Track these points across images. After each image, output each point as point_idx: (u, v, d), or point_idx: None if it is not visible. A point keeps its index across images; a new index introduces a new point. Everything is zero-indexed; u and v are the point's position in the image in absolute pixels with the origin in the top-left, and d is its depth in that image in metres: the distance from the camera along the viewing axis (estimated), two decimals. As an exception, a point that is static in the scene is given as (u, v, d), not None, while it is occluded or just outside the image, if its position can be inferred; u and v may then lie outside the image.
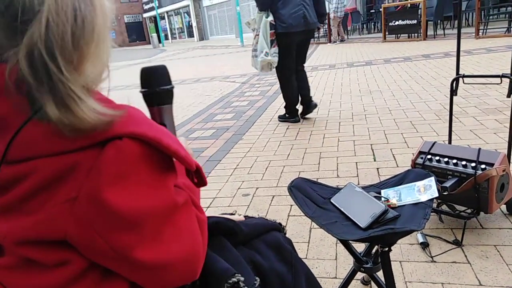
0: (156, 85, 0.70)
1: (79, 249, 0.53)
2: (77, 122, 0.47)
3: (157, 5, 30.65)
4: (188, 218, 0.61)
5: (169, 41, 34.56)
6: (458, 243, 1.59)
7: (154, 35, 27.97)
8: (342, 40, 11.97)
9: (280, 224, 0.94)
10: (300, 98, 3.71)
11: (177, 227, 0.57)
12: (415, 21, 9.51)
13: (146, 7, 37.32)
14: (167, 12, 33.60)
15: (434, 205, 1.77)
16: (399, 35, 10.22)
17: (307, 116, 3.90)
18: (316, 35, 13.47)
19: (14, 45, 0.47)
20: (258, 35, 3.48)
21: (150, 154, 0.53)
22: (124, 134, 0.50)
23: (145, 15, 38.25)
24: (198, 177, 0.64)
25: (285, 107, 3.80)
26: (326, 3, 11.18)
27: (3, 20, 0.47)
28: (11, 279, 0.54)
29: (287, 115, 3.83)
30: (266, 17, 3.38)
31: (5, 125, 0.50)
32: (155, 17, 31.75)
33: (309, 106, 3.74)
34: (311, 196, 1.25)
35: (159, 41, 28.96)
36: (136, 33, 39.28)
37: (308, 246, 1.72)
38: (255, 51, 3.56)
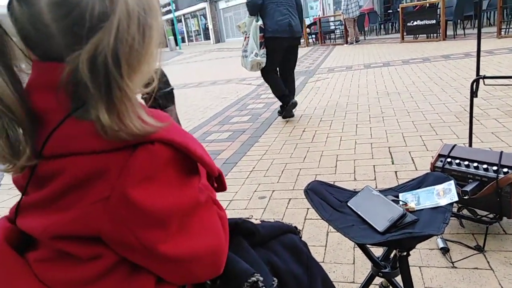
0: (159, 88, 0.71)
1: (111, 245, 0.56)
2: (123, 129, 0.50)
3: (174, 8, 31.03)
4: (210, 215, 0.64)
5: (185, 43, 34.91)
6: (480, 249, 1.55)
7: (171, 38, 28.30)
8: (357, 41, 11.85)
9: (296, 227, 0.95)
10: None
11: (201, 222, 0.61)
12: (434, 21, 9.33)
13: (163, 10, 37.84)
14: (183, 15, 33.96)
15: (455, 209, 1.74)
16: (417, 36, 10.05)
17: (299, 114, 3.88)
18: (332, 36, 13.49)
19: (77, 48, 0.48)
20: (248, 37, 3.82)
21: (178, 158, 0.56)
22: (156, 139, 0.53)
23: (162, 18, 38.82)
24: (218, 183, 0.66)
25: (279, 99, 4.10)
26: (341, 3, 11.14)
27: (65, 23, 0.49)
28: (46, 272, 0.57)
29: (285, 105, 4.07)
30: (256, 21, 3.71)
31: (47, 119, 0.52)
32: (172, 20, 32.14)
33: (290, 110, 4.06)
34: (328, 199, 1.24)
35: (176, 44, 29.29)
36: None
37: (325, 250, 1.71)
38: (245, 52, 3.88)
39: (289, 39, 3.77)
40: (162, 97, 0.72)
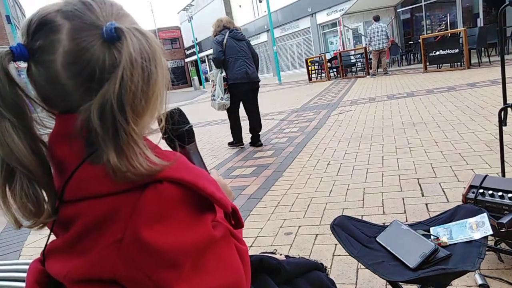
0: (175, 129, 0.73)
1: (127, 286, 0.56)
2: (131, 170, 0.52)
3: (197, 50, 32.34)
4: (228, 250, 0.62)
5: (209, 83, 35.99)
6: (522, 286, 1.45)
7: (195, 78, 29.31)
8: (385, 73, 11.84)
9: (322, 264, 0.92)
10: (250, 130, 5.00)
11: (217, 259, 0.59)
12: (457, 50, 9.28)
13: (187, 52, 39.49)
14: (207, 56, 35.27)
15: (491, 242, 1.65)
16: (440, 65, 9.99)
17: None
18: (353, 69, 13.60)
19: (88, 99, 0.53)
20: (215, 85, 4.78)
21: (188, 197, 0.56)
22: (164, 178, 0.54)
23: (187, 59, 40.42)
24: (235, 219, 0.65)
25: (232, 135, 5.12)
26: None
27: (80, 79, 0.54)
28: None
29: (234, 142, 5.13)
30: (221, 73, 4.71)
31: (65, 167, 0.56)
32: (196, 61, 33.38)
33: (256, 141, 4.97)
34: (355, 234, 1.21)
35: (200, 83, 30.24)
36: (178, 77, 41.40)
37: None
38: (213, 96, 4.84)
39: (247, 84, 4.70)
40: (182, 135, 0.74)
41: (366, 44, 11.49)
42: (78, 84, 0.54)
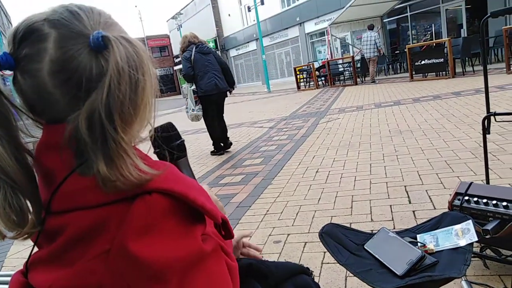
0: (167, 143, 0.73)
1: None
2: (121, 179, 0.51)
3: (187, 58, 32.36)
4: (217, 266, 0.61)
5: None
6: (508, 292, 1.47)
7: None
8: (373, 81, 12.07)
9: (308, 268, 0.93)
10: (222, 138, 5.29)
11: (206, 274, 0.58)
12: (441, 60, 9.48)
13: (176, 60, 39.46)
14: (197, 63, 35.34)
15: (477, 249, 1.67)
16: (426, 74, 10.18)
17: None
18: (341, 78, 13.77)
19: (76, 109, 0.52)
20: (187, 98, 5.10)
21: (177, 208, 0.55)
22: (153, 189, 0.53)
23: (176, 67, 40.36)
24: (225, 230, 0.65)
25: (213, 144, 5.32)
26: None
27: (66, 88, 0.53)
28: None
29: (215, 150, 5.31)
30: (191, 87, 5.02)
31: (52, 178, 0.55)
32: (185, 69, 33.40)
33: (226, 144, 5.35)
34: (344, 242, 1.21)
35: (189, 91, 30.22)
36: (167, 85, 41.29)
37: (343, 295, 1.64)
38: (187, 108, 5.16)
39: (216, 95, 5.02)
40: (174, 149, 0.74)
41: (357, 52, 11.71)
42: (65, 93, 0.53)
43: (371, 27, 11.76)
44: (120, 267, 0.52)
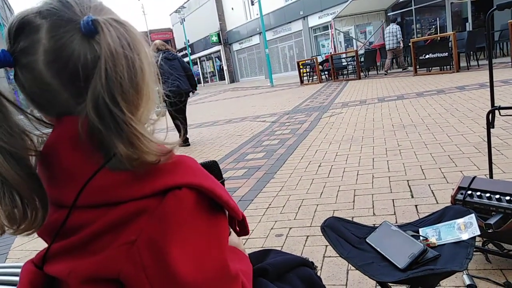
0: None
1: (127, 286, 0.55)
2: (143, 155, 0.52)
3: (190, 52, 32.29)
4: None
5: (201, 84, 35.95)
6: (510, 286, 1.47)
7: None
8: (385, 73, 12.28)
9: (312, 262, 0.93)
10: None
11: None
12: (446, 54, 9.40)
13: (179, 54, 39.44)
14: (199, 57, 35.26)
15: (479, 243, 1.67)
16: (430, 68, 10.11)
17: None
18: (344, 72, 13.71)
19: (81, 100, 0.52)
20: None
21: (205, 202, 0.56)
22: (183, 184, 0.54)
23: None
24: (241, 227, 0.66)
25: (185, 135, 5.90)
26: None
27: (64, 76, 0.53)
28: None
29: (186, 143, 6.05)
30: (156, 88, 5.68)
31: (73, 174, 0.54)
32: (188, 63, 33.38)
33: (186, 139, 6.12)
34: (346, 235, 1.22)
35: (192, 85, 30.19)
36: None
37: (345, 289, 1.65)
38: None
39: (180, 95, 5.59)
40: None
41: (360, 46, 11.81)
42: (63, 82, 0.53)
43: (393, 20, 11.89)
44: (144, 260, 0.52)
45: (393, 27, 11.72)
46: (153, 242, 0.51)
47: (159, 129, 0.62)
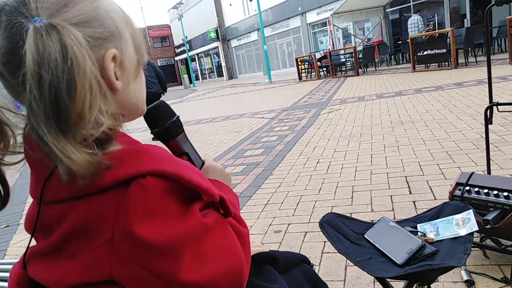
0: (163, 121, 0.73)
1: (128, 285, 0.54)
2: (74, 168, 0.48)
3: (188, 48, 32.18)
4: (223, 234, 0.61)
5: (199, 81, 35.87)
6: (507, 281, 1.48)
7: (185, 76, 29.17)
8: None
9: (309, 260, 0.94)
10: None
11: (214, 244, 0.59)
12: (444, 50, 9.40)
13: (177, 50, 39.28)
14: (197, 54, 35.12)
15: (477, 239, 1.67)
16: (428, 65, 10.11)
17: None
18: (343, 68, 13.72)
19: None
20: None
21: (173, 188, 0.55)
22: (146, 172, 0.52)
23: (176, 58, 40.21)
24: (223, 208, 0.64)
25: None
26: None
27: (5, 80, 0.52)
28: None
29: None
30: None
31: (43, 167, 0.54)
32: (186, 59, 33.24)
33: None
34: (344, 231, 1.22)
35: (190, 82, 30.11)
36: (168, 75, 41.20)
37: (344, 284, 1.65)
38: None
39: (150, 96, 6.05)
40: (171, 128, 0.74)
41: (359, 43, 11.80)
42: (19, 83, 0.50)
43: (416, 11, 11.88)
44: (127, 252, 0.52)
45: (415, 18, 11.74)
46: (128, 235, 0.50)
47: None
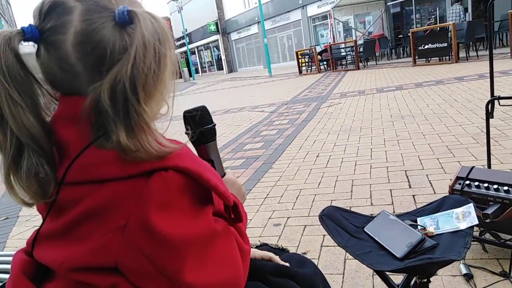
0: (199, 125, 0.75)
1: (128, 275, 0.55)
2: (141, 150, 0.52)
3: (187, 41, 32.02)
4: (228, 245, 0.63)
5: (199, 74, 35.72)
6: (506, 275, 1.48)
7: (185, 69, 29.04)
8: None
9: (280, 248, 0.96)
10: None
11: (218, 252, 0.60)
12: (445, 44, 9.35)
13: (177, 43, 39.10)
14: (197, 47, 34.94)
15: (476, 233, 1.68)
16: (429, 59, 10.06)
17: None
18: (343, 62, 13.67)
19: (96, 80, 0.53)
20: None
21: (191, 186, 0.56)
22: (169, 166, 0.54)
23: (176, 51, 40.00)
24: (235, 213, 0.66)
25: None
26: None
27: (89, 60, 0.54)
28: None
29: None
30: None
31: (70, 149, 0.55)
32: (186, 52, 33.08)
33: None
34: (344, 225, 1.21)
35: (190, 75, 29.99)
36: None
37: (343, 278, 1.66)
38: None
39: None
40: (206, 132, 0.76)
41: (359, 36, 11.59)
42: (87, 66, 0.54)
43: (457, 0, 11.72)
44: (138, 241, 0.53)
45: (457, 7, 11.51)
46: (143, 223, 0.52)
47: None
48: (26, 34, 0.54)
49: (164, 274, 0.54)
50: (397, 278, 1.31)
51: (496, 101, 1.83)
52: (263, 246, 0.99)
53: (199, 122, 0.75)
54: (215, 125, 0.78)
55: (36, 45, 0.56)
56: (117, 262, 0.54)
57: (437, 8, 15.07)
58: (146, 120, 0.53)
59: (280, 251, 0.99)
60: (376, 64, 13.03)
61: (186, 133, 0.74)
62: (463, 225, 1.05)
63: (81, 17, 0.53)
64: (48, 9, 0.54)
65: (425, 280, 1.02)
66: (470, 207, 1.07)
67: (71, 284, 0.57)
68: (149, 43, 0.52)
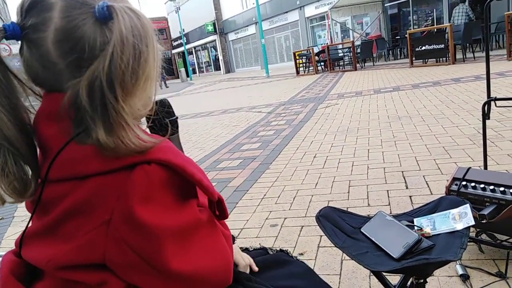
0: (161, 118, 0.74)
1: (117, 270, 0.55)
2: (121, 146, 0.52)
3: (185, 41, 31.98)
4: (214, 233, 0.64)
5: (196, 74, 35.68)
6: (502, 275, 1.48)
7: (182, 69, 29.01)
8: None
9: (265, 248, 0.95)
10: None
11: (205, 241, 0.60)
12: (442, 45, 9.38)
13: (174, 43, 39.01)
14: (194, 47, 34.90)
15: (473, 234, 1.68)
16: (426, 60, 10.10)
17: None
18: (341, 63, 13.69)
19: (76, 76, 0.52)
20: None
21: (174, 179, 0.56)
22: (152, 160, 0.54)
23: (174, 51, 39.95)
24: (219, 209, 0.65)
25: None
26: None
27: (70, 57, 0.53)
28: None
29: None
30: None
31: (49, 147, 0.55)
32: (183, 52, 33.02)
33: None
34: (340, 225, 1.21)
35: (187, 75, 29.95)
36: (165, 69, 40.80)
37: (340, 278, 1.66)
38: None
39: None
40: (168, 124, 0.75)
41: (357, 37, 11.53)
42: (68, 63, 0.53)
43: (463, 0, 11.68)
44: (123, 234, 0.52)
45: (463, 7, 11.42)
46: (127, 216, 0.52)
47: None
48: (7, 32, 0.53)
49: (151, 265, 0.54)
50: (394, 279, 1.31)
51: (492, 103, 1.84)
52: (261, 251, 0.96)
53: (163, 114, 0.75)
54: (177, 117, 0.78)
55: (19, 42, 0.56)
56: (104, 258, 0.53)
57: (434, 10, 15.13)
58: (125, 117, 0.52)
59: (279, 252, 0.97)
60: (374, 65, 13.06)
61: (147, 127, 0.74)
62: (459, 226, 1.04)
63: (61, 14, 0.52)
64: (29, 6, 0.54)
65: (422, 280, 1.02)
66: (466, 208, 1.07)
67: (60, 283, 0.56)
68: (127, 39, 0.51)
